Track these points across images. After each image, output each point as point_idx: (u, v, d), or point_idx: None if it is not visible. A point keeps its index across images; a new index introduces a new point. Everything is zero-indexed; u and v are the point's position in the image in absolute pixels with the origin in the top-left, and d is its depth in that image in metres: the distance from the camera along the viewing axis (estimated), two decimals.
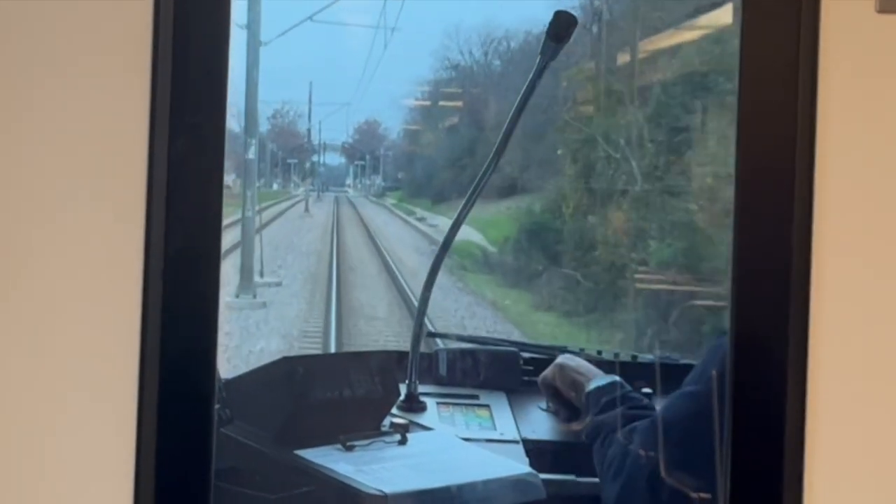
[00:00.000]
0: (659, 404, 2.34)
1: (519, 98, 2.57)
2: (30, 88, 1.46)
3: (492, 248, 17.94)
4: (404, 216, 24.88)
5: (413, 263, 16.99)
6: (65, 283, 1.46)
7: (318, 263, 17.82)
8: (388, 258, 17.76)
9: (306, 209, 27.15)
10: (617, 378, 2.41)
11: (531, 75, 2.54)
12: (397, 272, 15.82)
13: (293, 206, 28.14)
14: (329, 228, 23.34)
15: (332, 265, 17.31)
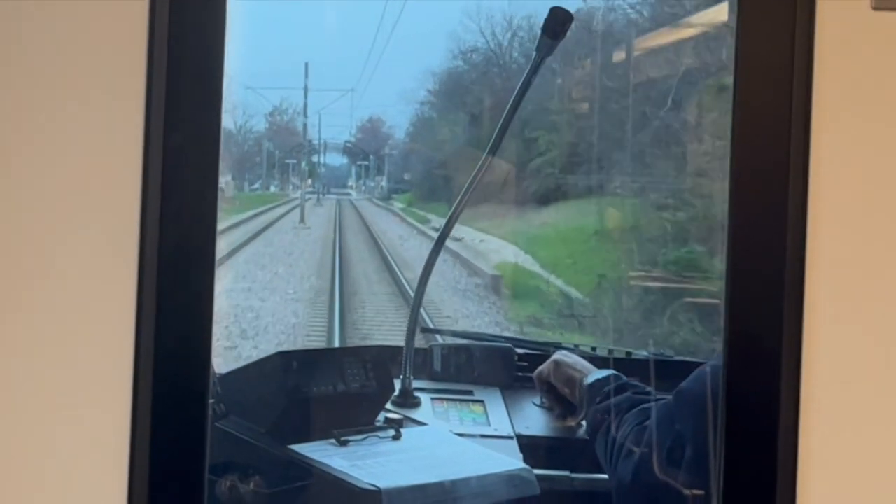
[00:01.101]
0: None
1: (514, 95, 2.57)
2: (24, 86, 1.46)
3: (563, 286, 11.35)
4: (419, 225, 19.53)
5: (466, 317, 10.44)
6: (60, 280, 1.46)
7: (307, 335, 10.18)
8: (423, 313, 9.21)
9: (301, 219, 22.07)
10: (614, 371, 2.42)
11: (526, 72, 2.54)
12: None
13: (288, 212, 23.45)
14: (330, 248, 16.65)
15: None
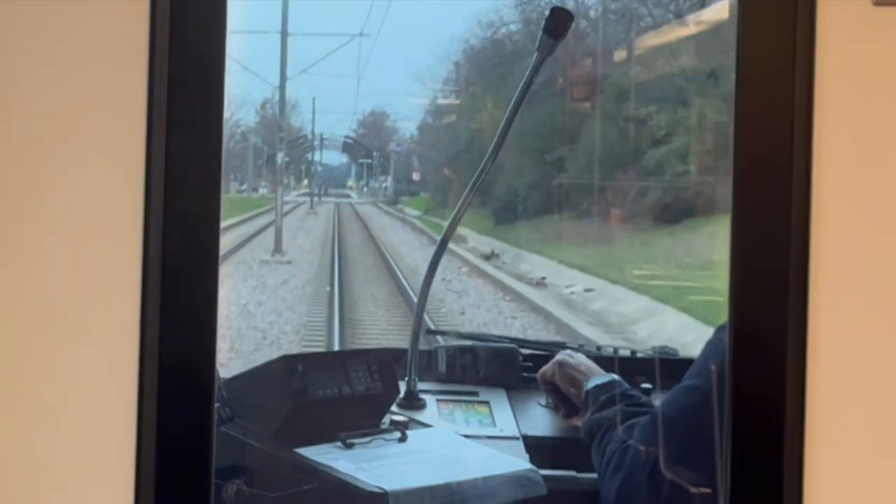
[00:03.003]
0: (658, 400, 2.34)
1: (516, 94, 2.56)
2: (26, 84, 1.46)
3: None
4: (469, 256, 12.00)
5: None
6: (63, 282, 1.46)
7: None
8: None
9: (277, 249, 14.04)
10: (616, 376, 2.41)
11: (528, 72, 2.53)
12: None
13: (266, 227, 15.72)
14: (322, 327, 9.20)
15: None
